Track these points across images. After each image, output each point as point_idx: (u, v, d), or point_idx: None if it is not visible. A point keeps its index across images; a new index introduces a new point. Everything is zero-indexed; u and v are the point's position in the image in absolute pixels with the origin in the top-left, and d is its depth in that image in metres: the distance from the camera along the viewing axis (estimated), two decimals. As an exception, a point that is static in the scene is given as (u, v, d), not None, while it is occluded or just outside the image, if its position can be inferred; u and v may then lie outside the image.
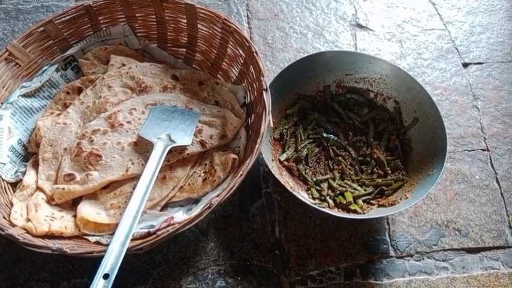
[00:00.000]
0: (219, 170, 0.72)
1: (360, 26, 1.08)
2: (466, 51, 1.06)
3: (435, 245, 0.78)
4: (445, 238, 0.79)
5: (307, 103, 0.89)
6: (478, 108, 0.97)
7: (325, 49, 1.03)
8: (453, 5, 1.14)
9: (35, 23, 1.01)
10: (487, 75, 1.02)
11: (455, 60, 1.04)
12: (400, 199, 0.76)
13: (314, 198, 0.79)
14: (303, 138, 0.86)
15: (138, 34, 0.89)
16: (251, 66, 0.77)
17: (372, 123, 0.87)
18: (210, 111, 0.80)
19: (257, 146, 0.66)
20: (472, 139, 0.93)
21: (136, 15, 0.86)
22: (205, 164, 0.75)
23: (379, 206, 0.77)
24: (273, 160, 0.81)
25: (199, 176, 0.74)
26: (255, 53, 0.75)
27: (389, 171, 0.82)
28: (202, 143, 0.76)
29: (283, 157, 0.83)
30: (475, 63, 1.04)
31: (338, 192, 0.79)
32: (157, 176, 0.68)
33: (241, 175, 0.62)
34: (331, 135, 0.87)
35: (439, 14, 1.12)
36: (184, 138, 0.74)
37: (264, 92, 0.71)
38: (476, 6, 1.15)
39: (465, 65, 1.03)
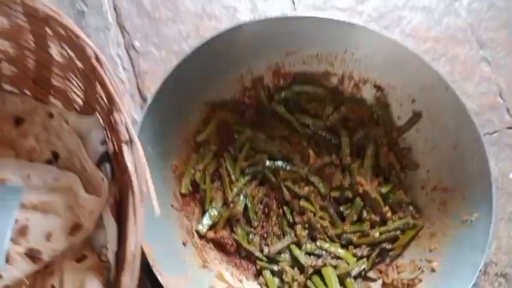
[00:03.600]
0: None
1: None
2: (452, -27, 0.70)
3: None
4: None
5: (230, 114, 0.51)
6: (488, 61, 0.64)
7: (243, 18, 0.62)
8: None
9: None
10: (488, 8, 0.68)
11: (441, -9, 0.68)
12: (422, 271, 0.43)
13: (272, 294, 0.44)
14: (233, 178, 0.49)
15: None
16: (98, 85, 0.38)
17: (343, 130, 0.51)
18: (43, 180, 0.41)
19: (136, 261, 0.30)
20: (491, 114, 0.60)
21: None
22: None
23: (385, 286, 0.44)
24: (184, 244, 0.44)
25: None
26: (95, 60, 0.35)
27: (390, 213, 0.48)
28: (32, 256, 0.38)
29: (203, 227, 0.47)
30: (469, -10, 0.69)
31: (311, 272, 0.45)
32: None
33: None
34: (280, 162, 0.51)
35: None
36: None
37: (124, 146, 0.33)
38: None
39: (455, -4, 0.68)
